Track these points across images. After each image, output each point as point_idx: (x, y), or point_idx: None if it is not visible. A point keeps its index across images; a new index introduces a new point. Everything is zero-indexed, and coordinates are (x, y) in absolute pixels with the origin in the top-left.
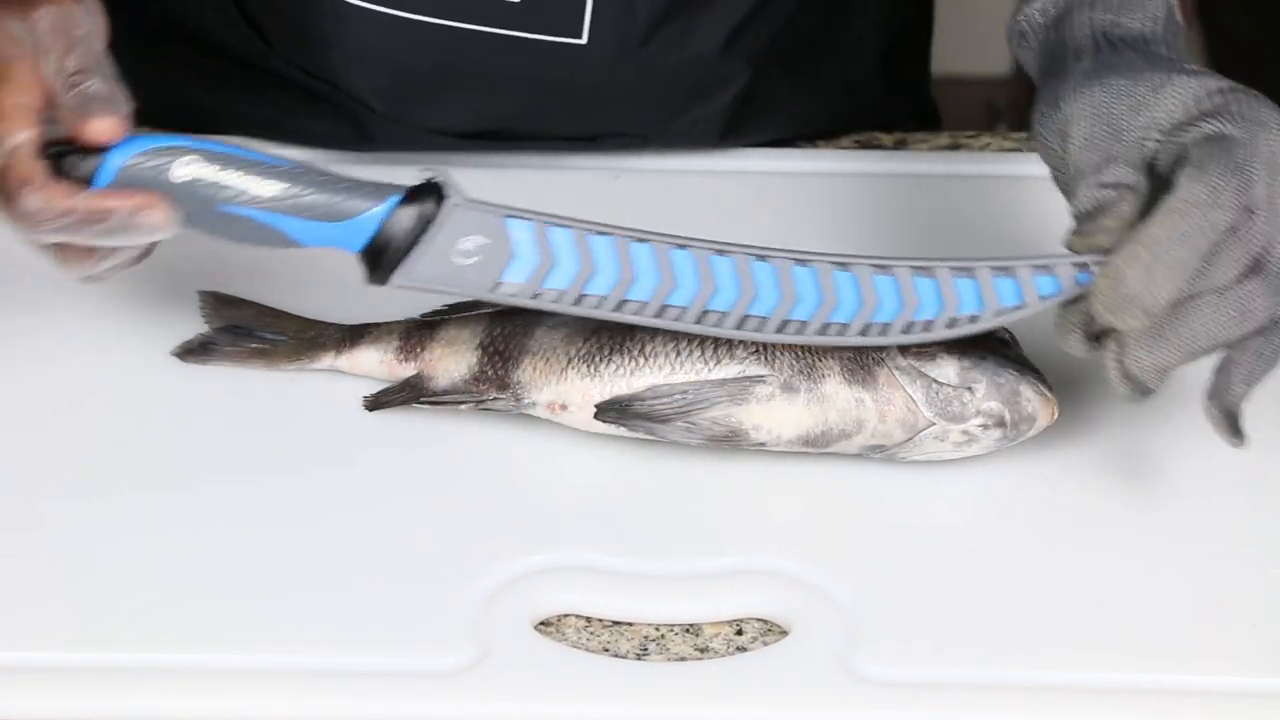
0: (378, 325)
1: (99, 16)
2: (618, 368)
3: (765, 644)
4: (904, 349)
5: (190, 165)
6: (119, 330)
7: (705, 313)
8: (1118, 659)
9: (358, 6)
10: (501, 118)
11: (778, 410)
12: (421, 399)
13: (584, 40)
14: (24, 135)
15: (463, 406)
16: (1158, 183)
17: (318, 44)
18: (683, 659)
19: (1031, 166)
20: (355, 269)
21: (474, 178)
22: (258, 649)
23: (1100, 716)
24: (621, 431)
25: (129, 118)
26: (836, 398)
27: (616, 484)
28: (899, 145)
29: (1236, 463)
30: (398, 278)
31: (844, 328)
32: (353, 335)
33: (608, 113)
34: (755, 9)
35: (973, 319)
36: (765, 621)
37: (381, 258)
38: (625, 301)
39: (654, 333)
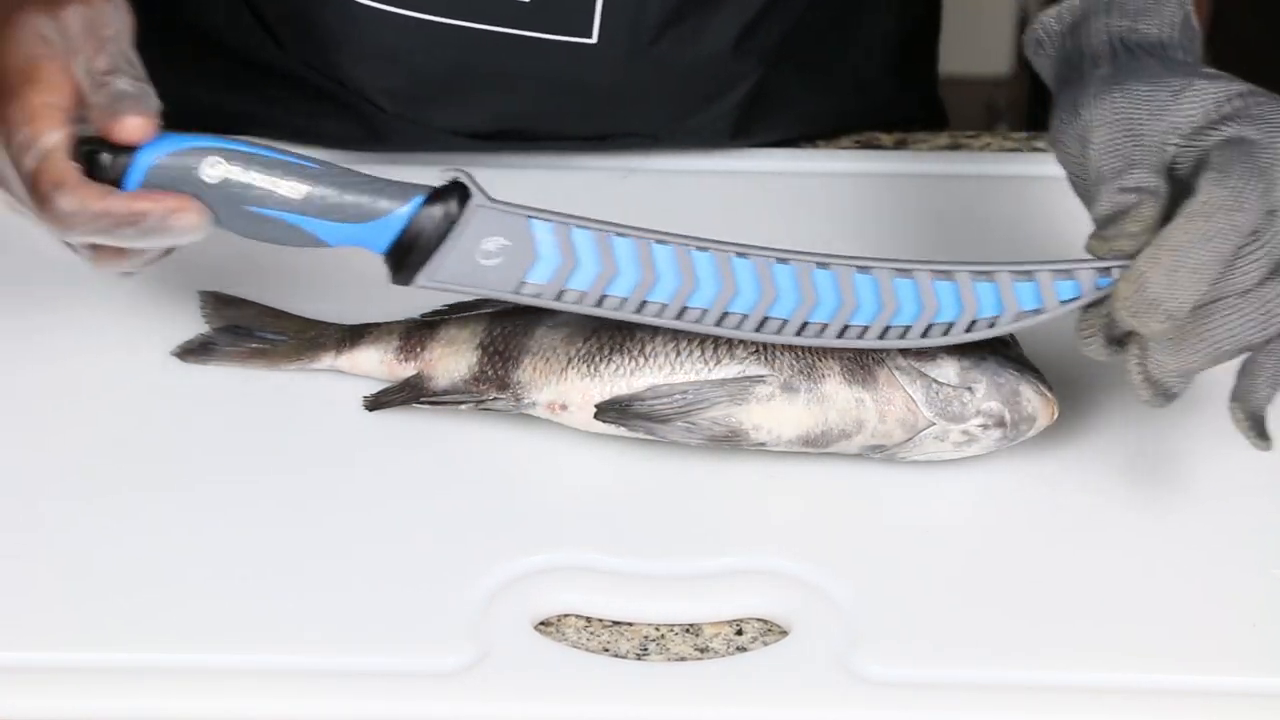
0: (378, 325)
1: (127, 15)
2: (618, 368)
3: (765, 644)
4: (904, 349)
5: (219, 166)
6: (119, 330)
7: (726, 315)
8: (1118, 659)
9: (368, 6)
10: (512, 118)
11: (778, 410)
12: (421, 399)
13: (594, 40)
14: (56, 136)
15: (463, 406)
16: (1178, 187)
17: (329, 44)
18: (683, 659)
19: (1032, 166)
20: (355, 269)
21: (484, 177)
22: (258, 649)
23: (1100, 716)
24: (621, 431)
25: (159, 116)
26: (836, 398)
27: (616, 484)
28: (899, 145)
29: (1236, 463)
30: (422, 278)
31: (864, 330)
32: (353, 335)
33: (618, 112)
34: (766, 7)
35: (991, 323)
36: (765, 621)
37: (406, 258)
38: (646, 303)
39: (654, 333)
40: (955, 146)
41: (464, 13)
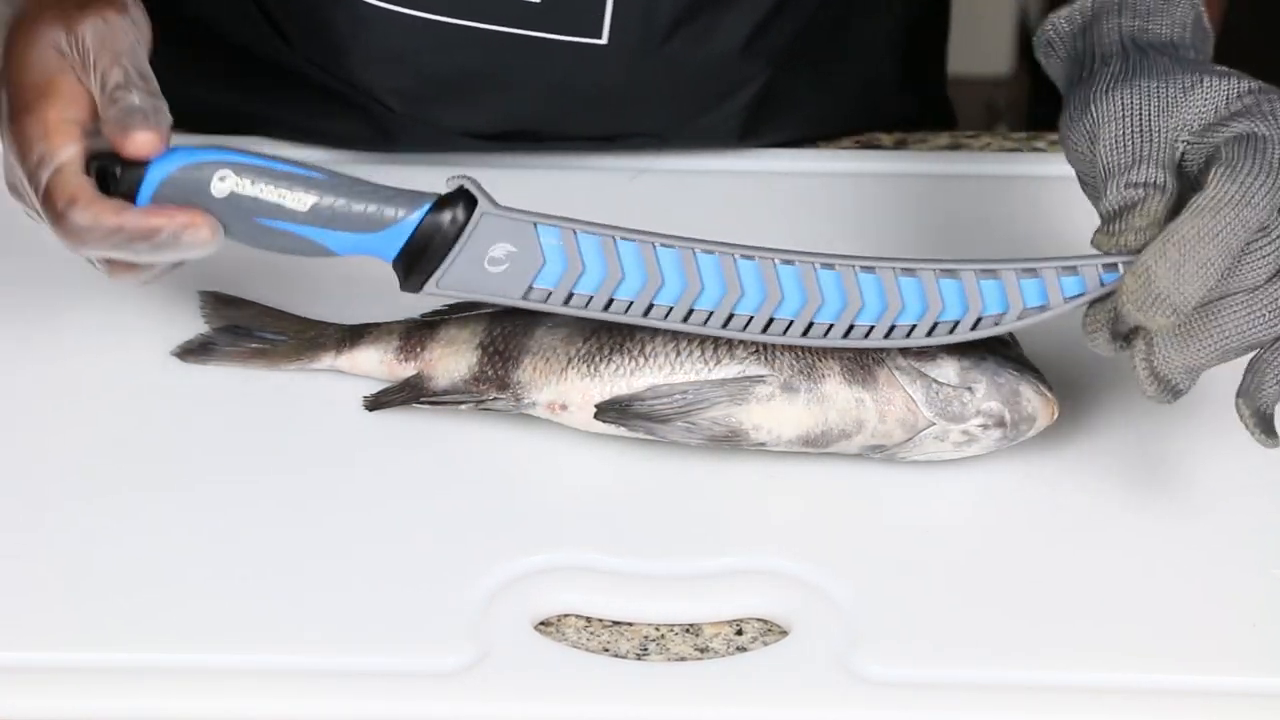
0: (378, 325)
1: (144, 28)
2: (618, 368)
3: (765, 644)
4: (905, 349)
5: (228, 180)
6: (119, 330)
7: (731, 316)
8: (1118, 659)
9: (378, 7)
10: (521, 118)
11: (778, 410)
12: (421, 399)
13: (604, 40)
14: (70, 152)
15: (463, 406)
16: (1187, 184)
17: (338, 44)
18: (683, 659)
19: (1032, 166)
20: (355, 269)
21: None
22: (258, 649)
23: (1100, 716)
24: (621, 431)
25: (169, 131)
26: (836, 398)
27: (616, 484)
28: (899, 145)
29: (1237, 463)
30: (431, 285)
31: (869, 330)
32: (353, 335)
33: (628, 113)
34: (776, 8)
35: (997, 320)
36: (765, 621)
37: (415, 266)
38: (653, 306)
39: (654, 333)
40: (955, 146)
41: (473, 13)
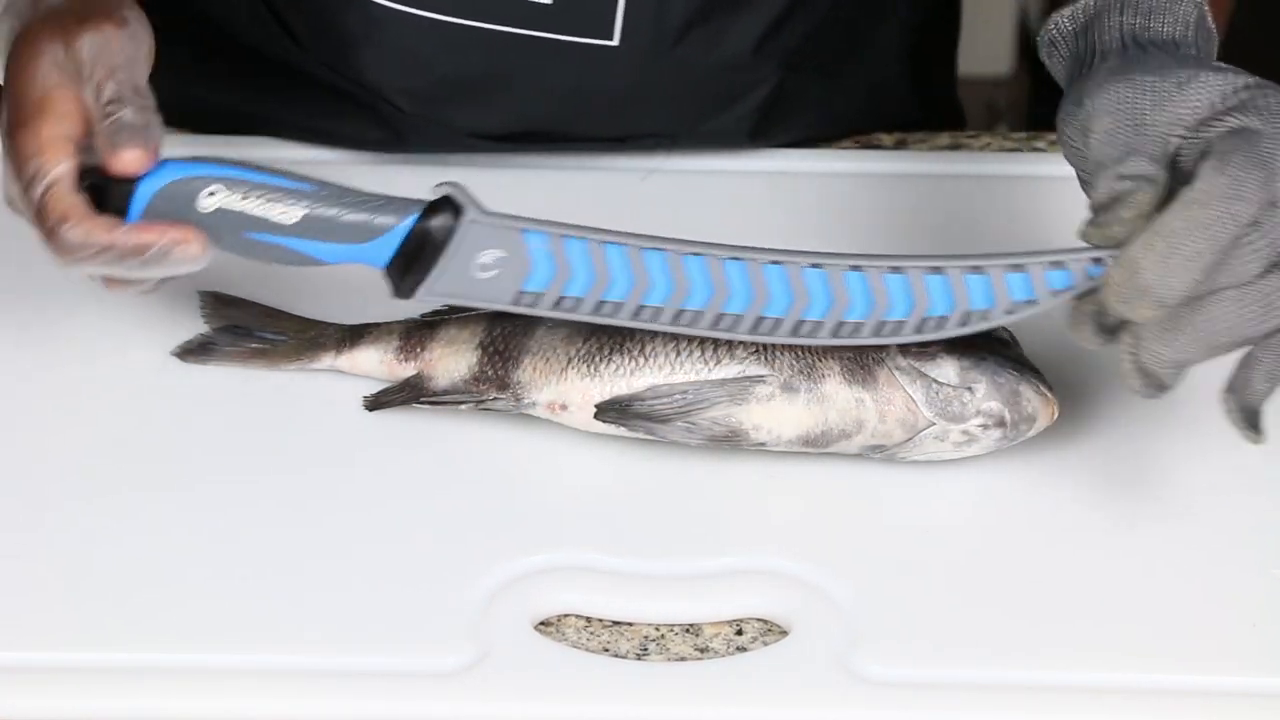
0: (378, 325)
1: (142, 41)
2: (618, 368)
3: (765, 644)
4: (904, 349)
5: (215, 195)
6: (119, 330)
7: (720, 316)
8: (1118, 659)
9: (389, 8)
10: (532, 119)
11: (778, 410)
12: (421, 399)
13: (616, 42)
14: (62, 168)
15: (463, 406)
16: (1181, 179)
17: (348, 45)
18: (683, 659)
19: (1032, 166)
20: (355, 270)
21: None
22: (258, 649)
23: (1100, 716)
24: (621, 431)
25: (159, 146)
26: (836, 398)
27: (616, 484)
28: (899, 145)
29: (1237, 463)
30: (422, 292)
31: (858, 327)
32: (353, 335)
33: (638, 114)
34: (788, 10)
35: (984, 315)
36: (765, 621)
37: (405, 274)
38: (642, 308)
39: (654, 333)
40: (955, 146)
41: (485, 15)
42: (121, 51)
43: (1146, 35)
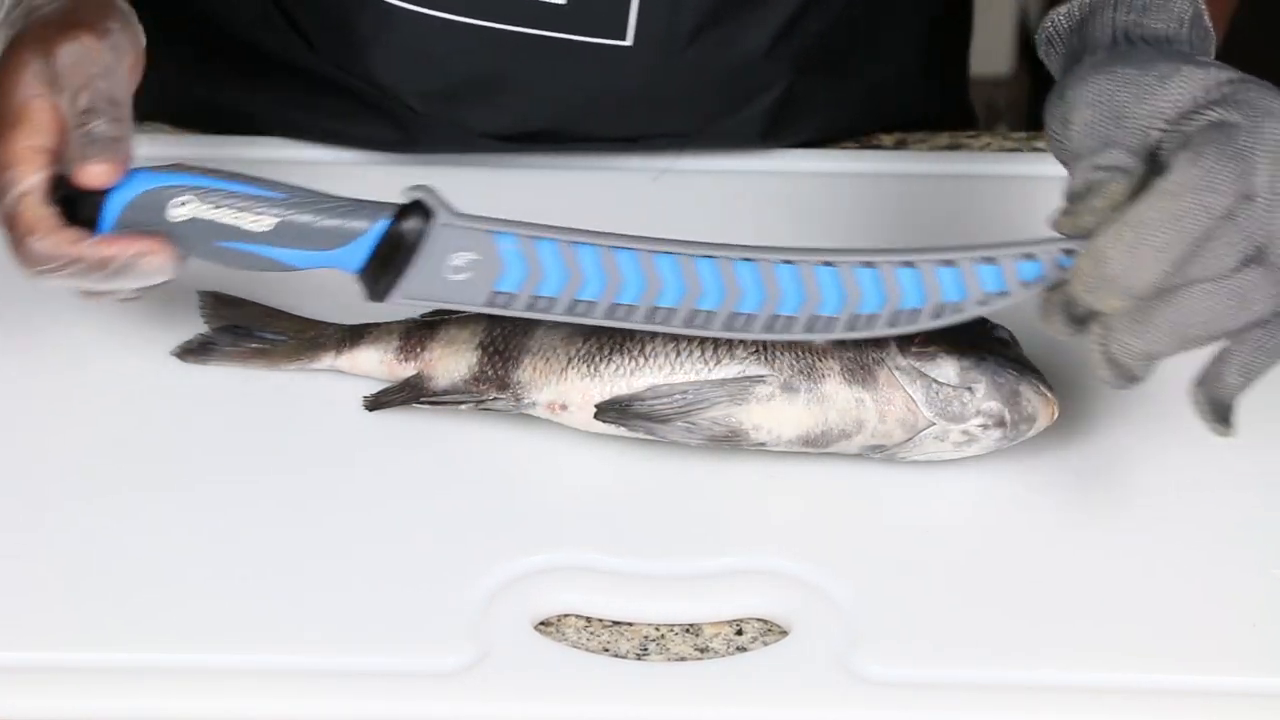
0: (378, 325)
1: (125, 52)
2: (618, 368)
3: (765, 644)
4: (903, 349)
5: (185, 205)
6: (119, 330)
7: (694, 313)
8: (1118, 659)
9: (401, 8)
10: (544, 120)
11: (778, 410)
12: (421, 399)
13: (629, 42)
14: (33, 180)
15: (463, 406)
16: (1161, 173)
17: (359, 46)
18: (683, 659)
19: (1032, 166)
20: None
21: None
22: (258, 649)
23: (1100, 716)
24: (621, 431)
25: (129, 160)
26: (836, 398)
27: (616, 484)
28: (899, 145)
29: (1236, 462)
30: (396, 295)
31: (831, 321)
32: (353, 335)
33: (650, 115)
34: (800, 11)
35: (958, 307)
36: (765, 621)
37: (378, 278)
38: (616, 306)
39: (654, 333)
40: (955, 146)
41: (497, 15)
42: (100, 62)
43: (1139, 31)
